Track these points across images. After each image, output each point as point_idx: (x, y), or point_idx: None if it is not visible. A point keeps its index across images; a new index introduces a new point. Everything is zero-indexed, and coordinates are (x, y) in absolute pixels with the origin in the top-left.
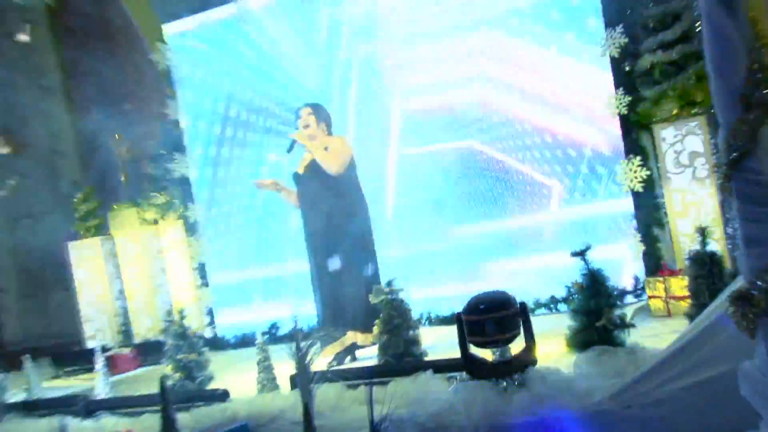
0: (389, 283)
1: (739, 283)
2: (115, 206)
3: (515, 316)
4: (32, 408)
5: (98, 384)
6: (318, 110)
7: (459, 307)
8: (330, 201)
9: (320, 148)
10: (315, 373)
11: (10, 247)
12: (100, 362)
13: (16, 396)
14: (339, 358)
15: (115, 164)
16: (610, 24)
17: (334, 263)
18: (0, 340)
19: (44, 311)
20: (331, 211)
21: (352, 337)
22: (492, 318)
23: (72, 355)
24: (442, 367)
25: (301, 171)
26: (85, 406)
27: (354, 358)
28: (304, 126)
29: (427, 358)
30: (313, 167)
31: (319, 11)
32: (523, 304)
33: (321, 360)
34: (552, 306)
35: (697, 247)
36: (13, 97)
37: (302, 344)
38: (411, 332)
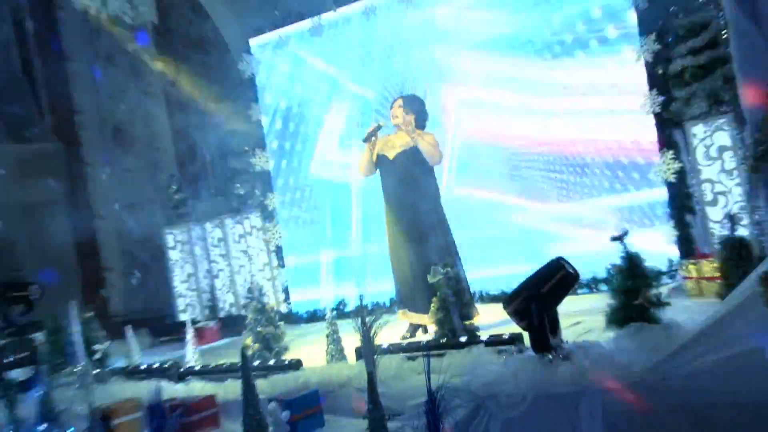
0: (445, 264)
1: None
2: (203, 196)
3: None
4: (132, 373)
5: (188, 353)
6: (410, 102)
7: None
8: (417, 188)
9: (422, 138)
10: (378, 345)
11: (116, 231)
12: (189, 333)
13: (119, 362)
14: (411, 330)
15: (205, 159)
16: (643, 32)
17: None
18: (106, 312)
19: (144, 288)
20: (416, 199)
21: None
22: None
23: (166, 327)
24: (493, 341)
25: (391, 156)
26: (177, 372)
27: (426, 332)
28: (393, 117)
29: (479, 334)
30: (409, 154)
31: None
32: None
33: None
34: (593, 286)
35: (726, 232)
36: (124, 101)
37: (367, 319)
38: (465, 310)
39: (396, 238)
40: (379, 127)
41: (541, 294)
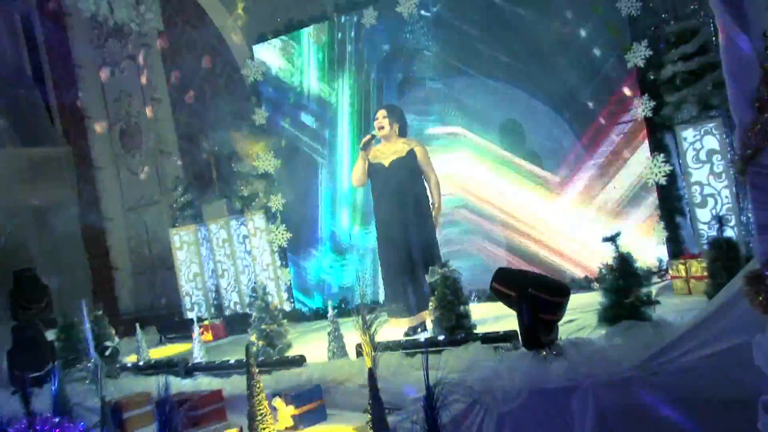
0: (443, 264)
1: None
2: (208, 198)
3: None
4: (142, 369)
5: (195, 349)
6: (392, 112)
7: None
8: (410, 195)
9: (417, 145)
10: (378, 343)
11: (124, 232)
12: (196, 331)
13: (129, 358)
14: (410, 331)
15: (208, 162)
16: (635, 39)
17: None
18: (116, 310)
19: (152, 287)
20: (408, 205)
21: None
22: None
23: (173, 325)
24: (489, 338)
25: (387, 163)
26: (185, 368)
27: (425, 330)
28: (379, 127)
29: (475, 331)
30: (404, 162)
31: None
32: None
33: (395, 330)
34: (586, 285)
35: (714, 233)
36: (131, 105)
37: (367, 318)
38: (462, 308)
39: (389, 242)
40: (373, 137)
41: (533, 295)
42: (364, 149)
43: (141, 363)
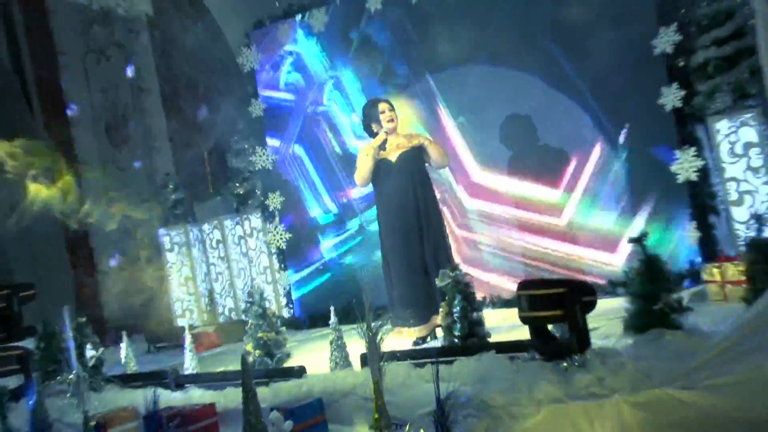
0: (454, 268)
1: None
2: (201, 196)
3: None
4: (128, 380)
5: (186, 359)
6: (392, 104)
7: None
8: (419, 191)
9: (429, 140)
10: (384, 352)
11: (110, 233)
12: (187, 339)
13: (114, 369)
14: (419, 340)
15: (202, 158)
16: (662, 23)
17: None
18: (101, 317)
19: (140, 292)
20: (419, 202)
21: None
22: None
23: (163, 332)
24: (505, 347)
25: (393, 159)
26: (175, 380)
27: (435, 338)
28: (388, 121)
29: (490, 340)
30: (410, 156)
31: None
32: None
33: (406, 339)
34: (610, 290)
35: (752, 233)
36: (118, 96)
37: (372, 325)
38: (475, 314)
39: (397, 243)
40: (387, 133)
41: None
42: (383, 148)
43: (127, 374)
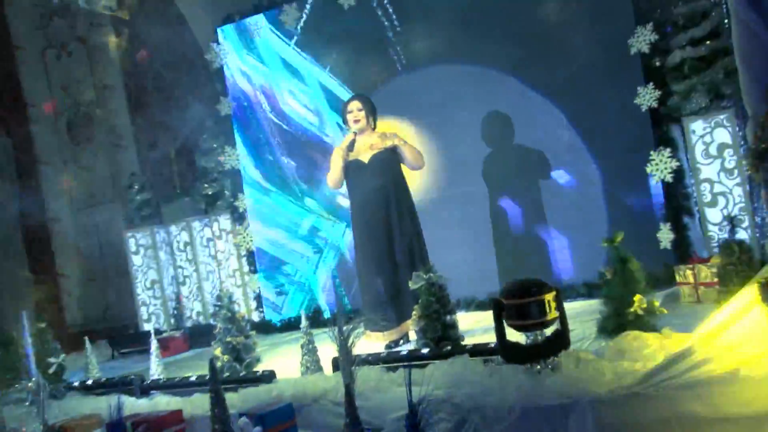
0: (428, 270)
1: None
2: (168, 197)
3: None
4: (91, 387)
5: (152, 365)
6: (365, 103)
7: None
8: (393, 192)
9: (402, 140)
10: (356, 356)
11: (72, 235)
12: (153, 344)
13: (76, 376)
14: (391, 344)
15: (169, 157)
16: (639, 22)
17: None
18: (63, 323)
19: (103, 296)
20: (392, 203)
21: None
22: (535, 302)
23: (128, 338)
24: (478, 351)
25: (366, 159)
26: (140, 386)
27: (407, 341)
28: (355, 121)
29: (463, 342)
30: (383, 156)
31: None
32: (557, 289)
33: (377, 343)
34: (584, 292)
35: (726, 235)
36: (80, 94)
37: (344, 328)
38: (449, 317)
39: (369, 244)
40: (355, 134)
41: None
42: (350, 149)
43: (90, 381)
